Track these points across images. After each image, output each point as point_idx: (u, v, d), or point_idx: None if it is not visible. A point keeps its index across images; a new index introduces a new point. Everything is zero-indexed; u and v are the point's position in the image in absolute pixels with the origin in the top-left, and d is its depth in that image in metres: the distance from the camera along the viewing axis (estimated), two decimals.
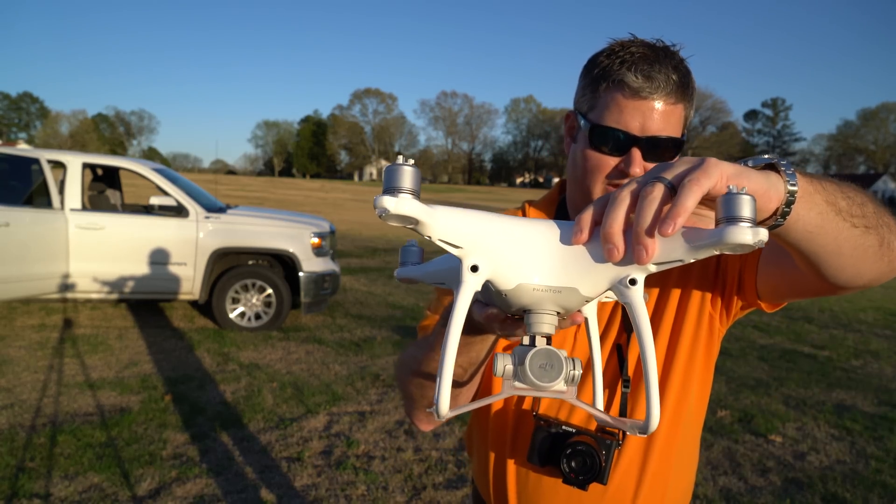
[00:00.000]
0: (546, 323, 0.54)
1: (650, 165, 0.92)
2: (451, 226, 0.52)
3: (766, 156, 0.62)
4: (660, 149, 0.91)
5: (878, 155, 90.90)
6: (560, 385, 0.51)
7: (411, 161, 0.49)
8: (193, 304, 6.70)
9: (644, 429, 0.51)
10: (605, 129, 0.92)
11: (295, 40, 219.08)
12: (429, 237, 0.52)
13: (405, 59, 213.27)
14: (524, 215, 1.11)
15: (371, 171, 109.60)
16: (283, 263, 6.26)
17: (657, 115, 0.90)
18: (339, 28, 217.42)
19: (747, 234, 0.46)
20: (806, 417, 4.29)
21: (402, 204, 0.47)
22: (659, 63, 0.89)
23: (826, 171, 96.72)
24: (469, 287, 0.53)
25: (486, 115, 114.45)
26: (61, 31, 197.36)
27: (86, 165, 6.05)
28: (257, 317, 6.10)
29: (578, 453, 0.93)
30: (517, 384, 0.52)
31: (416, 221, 0.49)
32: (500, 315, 0.61)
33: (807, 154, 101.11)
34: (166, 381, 4.52)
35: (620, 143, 0.91)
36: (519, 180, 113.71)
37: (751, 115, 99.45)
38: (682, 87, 0.91)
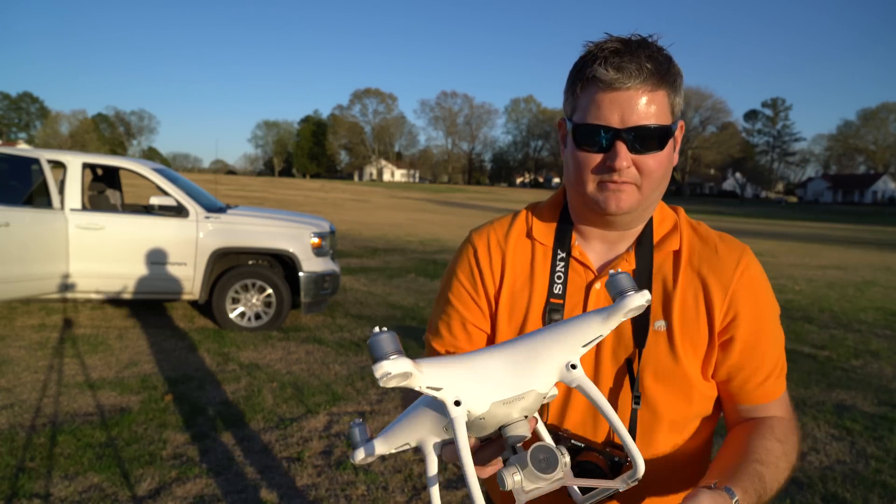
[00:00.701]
0: (522, 428, 0.63)
1: (639, 157, 0.91)
2: (432, 373, 0.60)
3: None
4: (644, 138, 0.90)
5: (878, 155, 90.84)
6: (559, 473, 0.59)
7: (385, 329, 0.57)
8: (193, 304, 6.70)
9: (633, 477, 0.63)
10: (587, 127, 0.91)
11: (295, 40, 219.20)
12: (418, 387, 0.59)
13: (405, 59, 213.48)
14: (526, 220, 1.09)
15: (371, 171, 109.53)
16: (283, 263, 6.26)
17: (636, 104, 0.88)
18: (339, 28, 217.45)
19: (637, 299, 0.62)
20: (806, 417, 4.29)
21: (398, 364, 0.55)
22: (630, 54, 0.88)
23: (826, 171, 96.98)
24: (461, 420, 0.60)
25: (486, 115, 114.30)
26: (61, 31, 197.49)
27: (86, 165, 6.05)
28: (257, 317, 6.10)
29: (586, 472, 0.91)
30: (526, 488, 0.59)
31: (410, 375, 0.57)
32: (476, 444, 0.68)
33: (807, 154, 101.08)
34: (166, 381, 4.52)
35: (603, 137, 0.90)
36: (519, 180, 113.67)
37: (751, 115, 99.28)
38: (660, 74, 0.89)
